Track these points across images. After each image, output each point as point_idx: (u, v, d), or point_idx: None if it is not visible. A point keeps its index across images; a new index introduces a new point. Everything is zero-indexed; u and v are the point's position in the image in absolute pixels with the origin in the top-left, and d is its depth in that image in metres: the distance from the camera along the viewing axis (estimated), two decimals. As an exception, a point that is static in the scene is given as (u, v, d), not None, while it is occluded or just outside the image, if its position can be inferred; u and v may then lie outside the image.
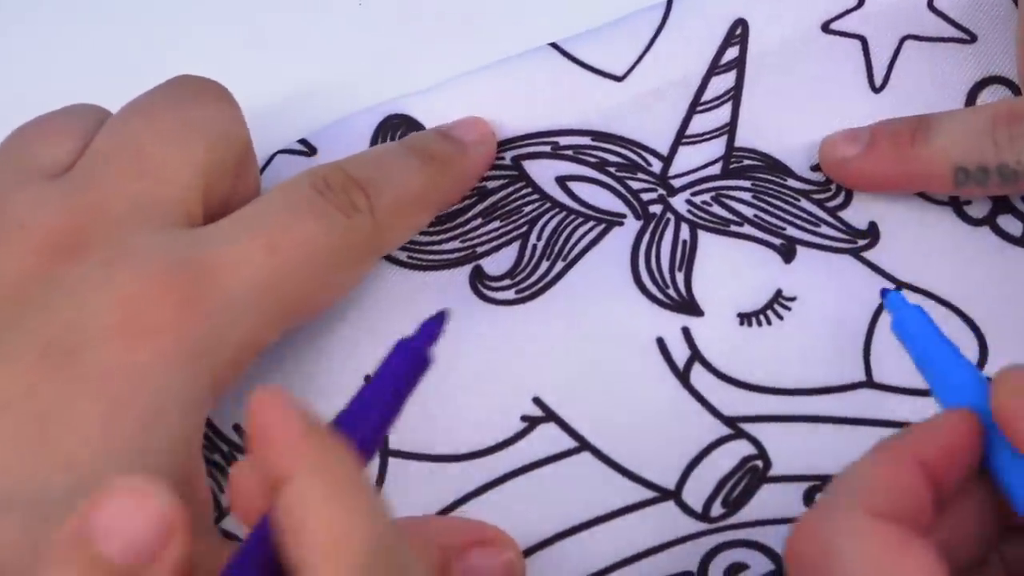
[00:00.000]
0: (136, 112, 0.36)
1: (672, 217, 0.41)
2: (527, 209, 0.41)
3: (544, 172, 0.42)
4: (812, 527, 0.30)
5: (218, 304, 0.33)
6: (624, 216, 0.41)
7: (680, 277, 0.40)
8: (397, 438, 0.39)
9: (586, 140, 0.42)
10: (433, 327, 0.31)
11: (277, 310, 0.34)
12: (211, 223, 0.35)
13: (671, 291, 0.40)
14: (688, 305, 0.40)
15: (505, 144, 0.42)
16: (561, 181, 0.42)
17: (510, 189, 0.42)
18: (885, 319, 0.39)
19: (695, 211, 0.41)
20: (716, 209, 0.41)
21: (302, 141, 0.42)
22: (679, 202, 0.41)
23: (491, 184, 0.42)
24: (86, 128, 0.36)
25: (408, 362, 0.30)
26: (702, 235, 0.41)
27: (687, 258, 0.40)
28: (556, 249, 0.41)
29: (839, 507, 0.30)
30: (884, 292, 0.38)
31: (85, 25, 0.45)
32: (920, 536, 0.29)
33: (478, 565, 0.35)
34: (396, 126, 0.42)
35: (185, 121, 0.35)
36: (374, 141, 0.42)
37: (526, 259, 0.41)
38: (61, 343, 0.32)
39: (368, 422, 0.29)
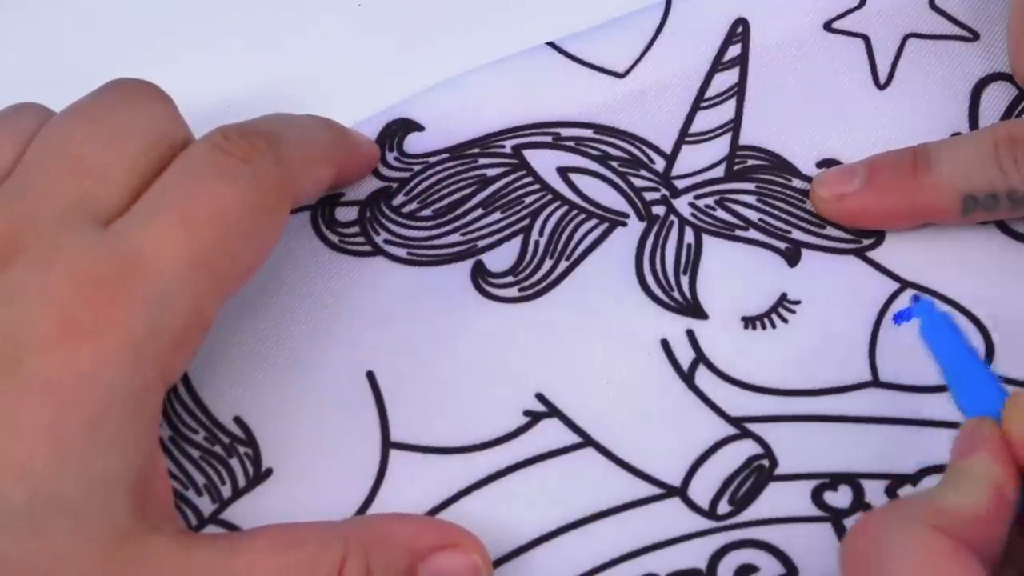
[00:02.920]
0: (70, 116, 0.36)
1: (676, 220, 0.41)
2: (528, 200, 0.41)
3: (545, 162, 0.41)
4: (872, 522, 0.31)
5: (149, 293, 0.32)
6: (627, 216, 0.41)
7: (685, 280, 0.40)
8: (399, 431, 0.38)
9: (588, 132, 0.42)
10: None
11: (209, 281, 0.34)
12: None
13: (675, 294, 0.40)
14: (693, 308, 0.39)
15: (505, 133, 0.42)
16: (563, 172, 0.41)
17: (511, 178, 0.41)
18: (891, 318, 0.39)
19: (699, 215, 0.41)
20: (720, 213, 0.41)
21: None
22: (683, 205, 0.41)
23: (491, 172, 0.41)
24: (25, 132, 0.35)
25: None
26: (707, 239, 0.40)
27: (692, 261, 0.40)
28: (559, 247, 0.40)
29: (904, 511, 0.31)
30: (915, 298, 0.39)
31: (85, 25, 0.45)
32: (970, 551, 0.30)
33: (444, 568, 0.35)
34: (395, 132, 0.42)
35: (118, 122, 0.35)
36: None
37: (528, 256, 0.40)
38: (1, 353, 0.32)
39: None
